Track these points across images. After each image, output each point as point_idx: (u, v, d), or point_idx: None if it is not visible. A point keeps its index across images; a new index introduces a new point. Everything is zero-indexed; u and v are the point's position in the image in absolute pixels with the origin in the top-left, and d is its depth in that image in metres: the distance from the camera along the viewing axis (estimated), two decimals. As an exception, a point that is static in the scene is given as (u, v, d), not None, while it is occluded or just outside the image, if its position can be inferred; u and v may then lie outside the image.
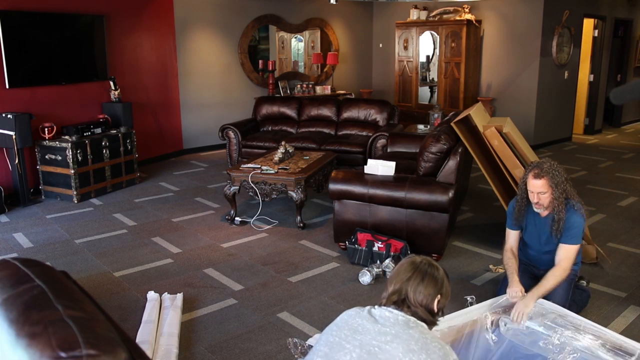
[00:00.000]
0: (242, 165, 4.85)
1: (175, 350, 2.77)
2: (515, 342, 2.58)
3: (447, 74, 8.55)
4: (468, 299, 3.04)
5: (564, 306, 2.83)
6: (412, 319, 1.67)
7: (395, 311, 1.68)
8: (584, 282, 3.38)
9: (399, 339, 1.58)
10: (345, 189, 4.00)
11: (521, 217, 3.08)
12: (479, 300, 3.03)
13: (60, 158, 5.41)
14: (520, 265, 3.13)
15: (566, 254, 2.88)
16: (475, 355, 2.53)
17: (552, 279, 2.81)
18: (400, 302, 1.70)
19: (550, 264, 3.06)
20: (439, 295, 1.73)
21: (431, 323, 1.72)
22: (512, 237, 3.17)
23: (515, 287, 2.84)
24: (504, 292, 3.00)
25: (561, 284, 2.90)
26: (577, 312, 3.04)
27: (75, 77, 6.05)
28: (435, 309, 1.73)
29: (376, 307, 1.73)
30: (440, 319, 1.79)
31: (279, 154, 5.05)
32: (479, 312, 2.77)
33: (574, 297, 3.09)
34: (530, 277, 3.11)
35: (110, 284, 3.62)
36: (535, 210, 2.98)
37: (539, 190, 2.87)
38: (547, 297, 2.79)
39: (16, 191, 5.37)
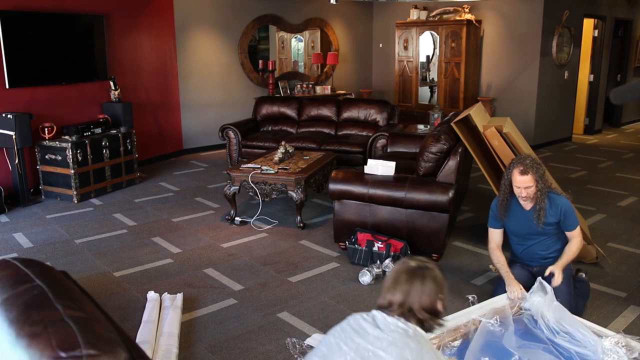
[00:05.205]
0: (242, 165, 4.85)
1: (175, 350, 2.77)
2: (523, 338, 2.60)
3: (447, 74, 8.55)
4: (469, 298, 3.05)
5: (569, 301, 2.94)
6: (412, 328, 1.68)
7: (400, 319, 1.70)
8: (582, 274, 3.48)
9: (394, 347, 1.60)
10: (345, 189, 4.00)
11: (504, 211, 3.14)
12: (479, 300, 3.04)
13: (60, 158, 5.41)
14: (515, 264, 3.18)
15: (573, 234, 3.11)
16: (476, 355, 2.53)
17: (571, 252, 3.08)
18: (407, 313, 1.71)
19: (540, 256, 3.19)
20: (440, 295, 1.75)
21: (437, 326, 1.74)
22: (496, 235, 3.26)
23: (514, 286, 2.98)
24: (501, 292, 3.04)
25: (562, 281, 2.97)
26: (584, 305, 3.14)
27: (75, 77, 6.05)
28: (440, 309, 1.75)
29: (379, 314, 1.73)
30: (445, 319, 1.81)
31: (279, 154, 5.05)
32: (479, 311, 2.78)
33: (578, 290, 3.17)
34: (528, 273, 3.15)
35: (110, 284, 3.62)
36: (522, 202, 3.08)
37: (525, 185, 2.98)
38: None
39: (16, 191, 5.37)
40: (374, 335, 1.65)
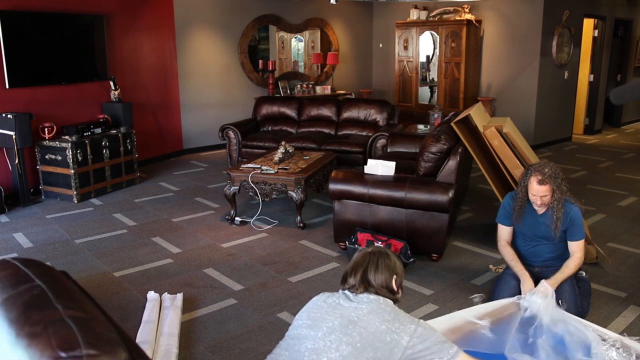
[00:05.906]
0: (242, 165, 4.85)
1: (175, 350, 2.77)
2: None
3: (447, 74, 8.54)
4: (475, 299, 3.06)
5: (575, 301, 2.96)
6: (381, 298, 1.90)
7: (366, 292, 1.92)
8: (582, 272, 3.48)
9: (374, 313, 1.82)
10: (345, 189, 4.00)
11: (519, 215, 3.15)
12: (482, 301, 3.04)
13: (60, 158, 5.41)
14: None
15: (578, 247, 3.09)
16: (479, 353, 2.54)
17: (568, 269, 3.04)
18: (369, 288, 1.94)
19: (543, 258, 3.20)
20: (394, 275, 1.97)
21: (395, 300, 1.96)
22: (505, 232, 3.28)
23: (529, 285, 3.00)
24: (500, 292, 3.06)
25: (566, 281, 3.00)
26: (589, 305, 3.17)
27: (75, 77, 6.05)
28: (395, 287, 1.97)
29: (347, 292, 1.94)
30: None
31: (279, 154, 5.04)
32: (480, 310, 2.78)
33: (580, 289, 3.17)
34: (530, 274, 3.16)
35: (110, 284, 3.62)
36: (536, 208, 3.09)
37: (542, 194, 2.99)
38: (558, 297, 2.84)
39: (16, 191, 5.37)
40: (351, 307, 1.85)
